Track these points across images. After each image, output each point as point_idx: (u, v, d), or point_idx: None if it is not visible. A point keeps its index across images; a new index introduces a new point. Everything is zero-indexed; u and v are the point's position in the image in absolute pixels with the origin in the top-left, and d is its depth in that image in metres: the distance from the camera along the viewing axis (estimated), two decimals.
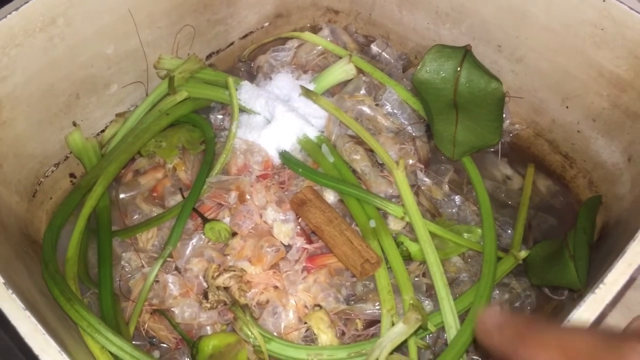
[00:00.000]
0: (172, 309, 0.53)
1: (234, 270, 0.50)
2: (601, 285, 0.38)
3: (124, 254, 0.57)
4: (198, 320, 0.53)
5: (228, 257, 0.54)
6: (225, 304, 0.51)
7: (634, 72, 0.53)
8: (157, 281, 0.54)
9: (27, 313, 0.39)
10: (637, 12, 0.51)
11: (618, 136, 0.58)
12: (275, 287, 0.53)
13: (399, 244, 0.54)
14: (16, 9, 0.51)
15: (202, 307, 0.52)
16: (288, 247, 0.55)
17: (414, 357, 0.49)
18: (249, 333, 0.49)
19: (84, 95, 0.62)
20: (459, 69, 0.61)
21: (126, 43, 0.62)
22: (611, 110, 0.57)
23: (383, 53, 0.71)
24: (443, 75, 0.62)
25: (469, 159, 0.63)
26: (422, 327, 0.49)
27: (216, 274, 0.50)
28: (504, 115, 0.65)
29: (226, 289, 0.50)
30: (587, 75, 0.57)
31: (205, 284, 0.53)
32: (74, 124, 0.62)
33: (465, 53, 0.61)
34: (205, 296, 0.52)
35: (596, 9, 0.53)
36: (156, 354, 0.53)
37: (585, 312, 0.37)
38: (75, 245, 0.55)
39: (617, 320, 0.58)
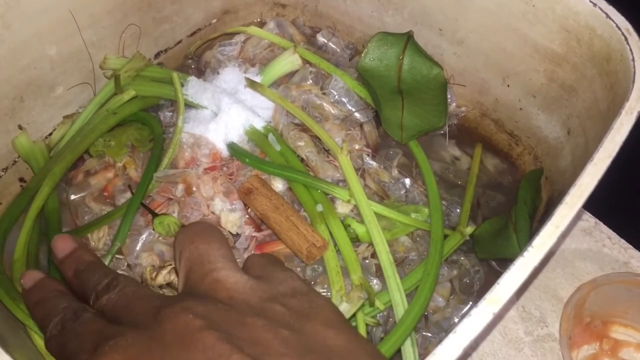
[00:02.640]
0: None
1: (171, 264, 0.51)
2: (529, 249, 0.38)
3: None
4: None
5: None
6: None
7: (567, 46, 0.55)
8: None
9: None
10: None
11: (557, 110, 0.59)
12: None
13: (346, 227, 0.54)
14: None
15: None
16: (237, 236, 0.55)
17: (362, 334, 0.49)
18: None
19: (29, 98, 0.61)
20: (401, 56, 0.62)
21: (69, 44, 0.62)
22: (549, 86, 0.58)
23: (329, 43, 0.71)
24: (386, 62, 0.63)
25: (415, 143, 0.64)
26: (370, 305, 0.50)
27: (154, 274, 0.50)
28: (449, 98, 0.66)
29: (169, 284, 0.50)
30: (524, 52, 0.58)
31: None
32: (20, 128, 0.62)
33: (408, 40, 0.62)
34: None
35: None
36: None
37: (515, 273, 0.38)
38: (22, 247, 0.55)
39: (568, 291, 0.59)
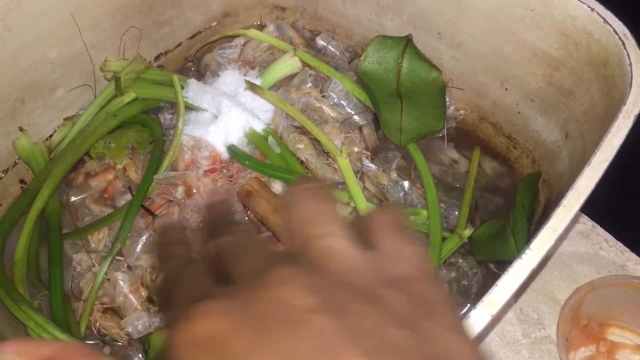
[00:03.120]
0: (127, 329, 0.53)
1: None
2: (527, 251, 0.39)
3: (74, 255, 0.57)
4: (154, 326, 0.53)
5: None
6: None
7: (565, 50, 0.55)
8: (108, 279, 0.55)
9: None
10: None
11: (555, 114, 0.59)
12: None
13: None
14: None
15: (152, 312, 0.52)
16: None
17: None
18: None
19: (30, 100, 0.62)
20: (400, 60, 0.62)
21: (70, 46, 0.62)
22: (546, 89, 0.59)
23: (329, 46, 0.72)
24: (385, 66, 0.63)
25: (414, 146, 0.64)
26: None
27: (154, 275, 0.50)
28: (448, 101, 0.66)
29: None
30: (522, 56, 0.59)
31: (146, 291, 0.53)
32: (21, 129, 0.62)
33: (407, 43, 0.62)
34: (151, 301, 0.52)
35: None
36: (106, 350, 0.53)
37: (513, 276, 0.38)
38: (23, 248, 0.55)
39: (566, 294, 0.59)
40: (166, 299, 0.31)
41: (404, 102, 0.63)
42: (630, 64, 0.47)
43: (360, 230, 0.31)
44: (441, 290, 0.28)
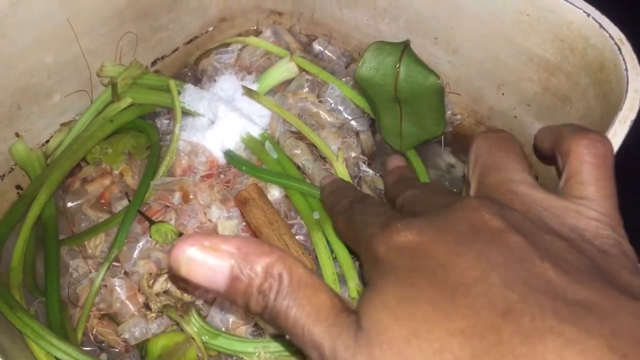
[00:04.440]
0: (123, 335, 0.53)
1: (167, 272, 0.51)
2: None
3: (71, 261, 0.57)
4: (151, 333, 0.52)
5: None
6: (170, 306, 0.51)
7: (560, 55, 0.55)
8: (105, 286, 0.54)
9: None
10: None
11: (551, 119, 0.59)
12: None
13: None
14: None
15: (149, 319, 0.52)
16: None
17: None
18: (195, 330, 0.49)
19: (26, 105, 0.61)
20: (398, 65, 0.62)
21: (66, 52, 0.62)
22: (543, 94, 0.59)
23: (325, 51, 0.72)
24: (383, 72, 0.63)
25: (413, 152, 0.64)
26: None
27: (151, 282, 0.50)
28: (445, 106, 0.66)
29: (166, 292, 0.50)
30: (518, 61, 0.59)
31: (143, 297, 0.53)
32: (17, 135, 0.62)
33: (404, 49, 0.62)
34: (148, 307, 0.52)
35: None
36: (103, 357, 0.53)
37: None
38: (19, 255, 0.55)
39: None
40: (352, 228, 0.33)
41: (403, 107, 0.63)
42: (626, 69, 0.47)
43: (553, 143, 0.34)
44: (625, 243, 0.29)
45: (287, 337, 0.27)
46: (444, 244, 0.26)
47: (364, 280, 0.29)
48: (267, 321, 0.28)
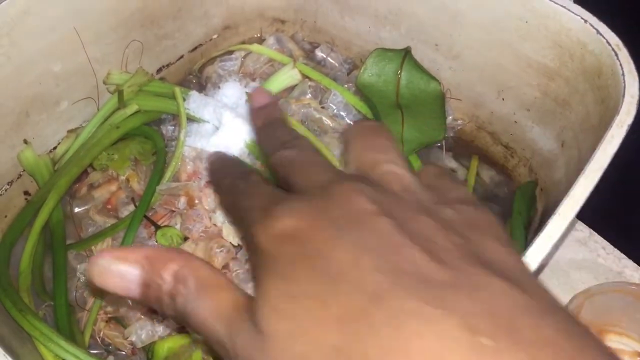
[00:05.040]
0: (130, 338, 0.54)
1: None
2: (523, 259, 0.40)
3: (79, 266, 0.58)
4: (157, 336, 0.53)
5: None
6: None
7: (559, 61, 0.56)
8: None
9: None
10: (556, 3, 0.54)
11: (551, 123, 0.60)
12: None
13: None
14: None
15: (156, 322, 0.53)
16: (238, 247, 0.56)
17: None
18: None
19: (34, 113, 0.63)
20: (399, 71, 0.63)
21: (74, 60, 0.63)
22: (542, 99, 0.60)
23: (328, 58, 0.73)
24: (384, 78, 0.64)
25: (415, 156, 0.65)
26: None
27: None
28: (446, 111, 0.67)
29: None
30: (518, 67, 0.60)
31: None
32: (25, 142, 0.63)
33: (405, 55, 0.63)
34: (154, 310, 0.52)
35: (519, 3, 0.56)
36: (110, 359, 0.54)
37: None
38: (28, 259, 0.56)
39: (564, 301, 0.60)
40: (235, 209, 0.33)
41: (405, 113, 0.64)
42: (623, 75, 0.48)
43: (420, 173, 0.34)
44: (489, 214, 0.30)
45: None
46: (323, 230, 0.26)
47: (252, 274, 0.29)
48: (181, 323, 0.29)
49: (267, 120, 0.40)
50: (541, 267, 0.41)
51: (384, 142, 0.33)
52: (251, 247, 0.29)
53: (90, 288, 0.52)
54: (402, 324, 0.22)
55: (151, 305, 0.29)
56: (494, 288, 0.23)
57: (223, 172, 0.38)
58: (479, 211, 0.30)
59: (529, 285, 0.25)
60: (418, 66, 0.62)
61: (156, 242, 0.57)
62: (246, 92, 0.65)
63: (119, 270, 0.28)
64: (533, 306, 0.23)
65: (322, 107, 0.65)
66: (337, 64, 0.73)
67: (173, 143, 0.66)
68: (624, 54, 0.49)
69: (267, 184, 0.33)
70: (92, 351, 0.54)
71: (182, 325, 0.30)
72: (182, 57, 0.75)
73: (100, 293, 0.51)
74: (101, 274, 0.28)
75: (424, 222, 0.27)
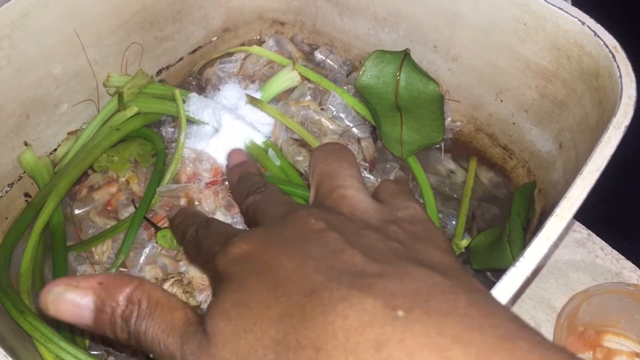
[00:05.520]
0: None
1: (173, 277, 0.52)
2: (521, 259, 0.40)
3: (79, 267, 0.58)
4: None
5: (180, 262, 0.55)
6: None
7: (557, 63, 0.56)
8: None
9: None
10: (554, 5, 0.54)
11: (549, 125, 0.60)
12: None
13: None
14: None
15: None
16: None
17: None
18: None
19: (34, 115, 0.63)
20: (398, 73, 0.63)
21: (74, 62, 0.64)
22: (540, 101, 0.60)
23: (327, 60, 0.73)
24: (383, 80, 0.64)
25: (413, 158, 0.65)
26: None
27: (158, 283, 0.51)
28: (445, 113, 0.67)
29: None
30: (516, 68, 0.60)
31: None
32: (25, 144, 0.63)
33: (404, 57, 0.64)
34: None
35: (517, 5, 0.56)
36: None
37: (508, 283, 0.39)
38: (28, 260, 0.56)
39: (562, 301, 0.60)
40: (200, 253, 0.36)
41: (404, 114, 0.64)
42: (621, 76, 0.49)
43: (377, 189, 0.38)
44: (435, 229, 0.33)
45: (151, 356, 0.30)
46: (272, 248, 0.30)
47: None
48: (134, 346, 0.31)
49: (242, 175, 0.46)
50: (539, 267, 0.41)
51: (337, 168, 0.36)
52: (213, 275, 0.32)
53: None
54: (330, 310, 0.24)
55: (103, 332, 0.31)
56: (418, 275, 0.26)
57: (184, 224, 0.41)
58: (425, 227, 0.33)
59: (455, 273, 0.28)
60: (417, 68, 0.62)
61: (156, 243, 0.57)
62: (246, 94, 0.65)
63: (73, 297, 0.30)
64: (452, 287, 0.25)
65: (322, 109, 0.66)
66: (336, 66, 0.73)
67: (173, 145, 0.66)
68: (621, 56, 0.50)
69: (227, 225, 0.37)
70: (92, 352, 0.54)
71: (135, 348, 0.31)
72: (181, 59, 0.75)
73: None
74: (55, 302, 0.30)
75: (366, 235, 0.30)
